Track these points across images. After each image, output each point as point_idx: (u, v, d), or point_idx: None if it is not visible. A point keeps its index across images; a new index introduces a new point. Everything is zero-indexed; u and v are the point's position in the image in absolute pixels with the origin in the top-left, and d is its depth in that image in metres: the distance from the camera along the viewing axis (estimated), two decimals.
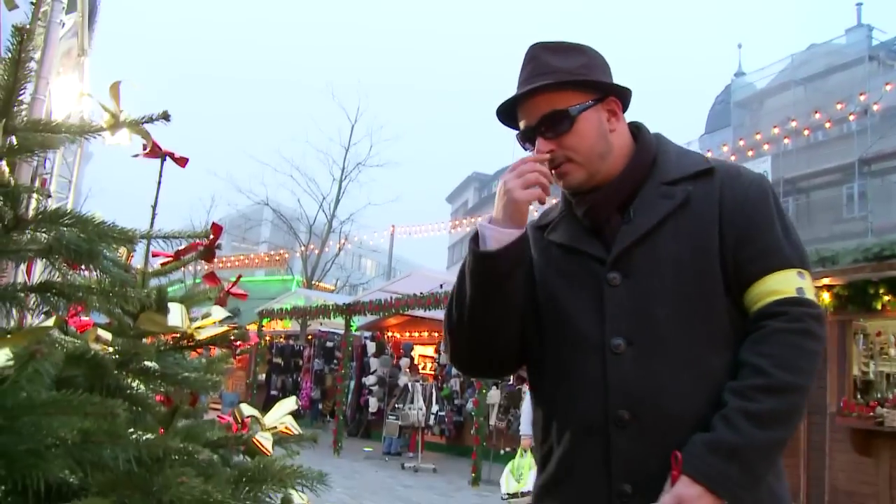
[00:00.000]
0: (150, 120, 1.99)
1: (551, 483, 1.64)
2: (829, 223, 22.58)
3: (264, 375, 17.93)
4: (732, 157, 21.20)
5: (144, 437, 1.17)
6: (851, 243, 9.39)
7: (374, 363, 16.51)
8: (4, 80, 1.46)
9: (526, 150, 1.71)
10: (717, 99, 32.45)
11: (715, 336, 1.54)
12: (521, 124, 1.70)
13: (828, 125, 20.36)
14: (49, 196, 1.65)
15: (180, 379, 1.43)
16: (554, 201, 1.84)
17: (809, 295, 1.53)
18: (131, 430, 1.20)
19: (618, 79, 1.74)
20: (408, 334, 17.96)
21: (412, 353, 16.68)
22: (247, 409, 1.74)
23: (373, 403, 16.10)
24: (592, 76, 1.66)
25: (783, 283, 1.53)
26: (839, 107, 19.28)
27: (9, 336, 1.04)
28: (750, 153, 20.55)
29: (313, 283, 25.77)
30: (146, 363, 1.40)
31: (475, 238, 1.61)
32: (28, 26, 1.46)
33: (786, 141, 21.36)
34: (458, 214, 51.87)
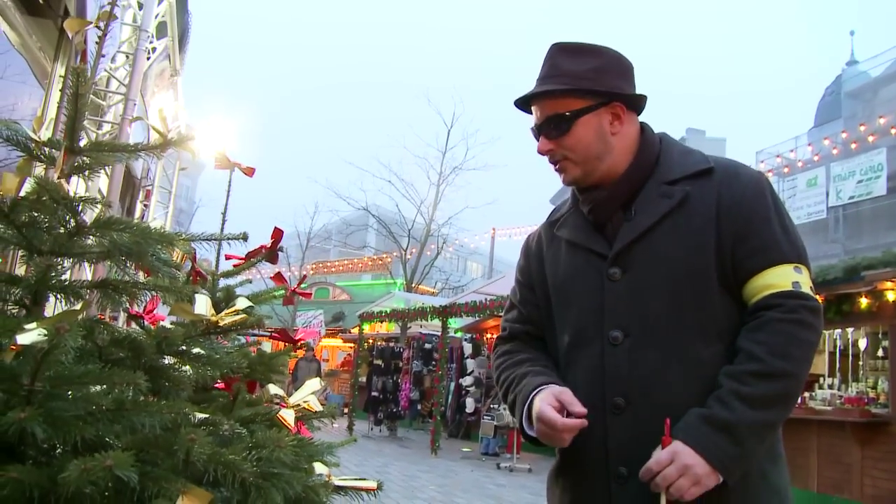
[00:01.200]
0: (186, 139, 2.25)
1: (560, 468, 1.81)
2: None
3: (366, 377, 18.42)
4: (834, 152, 20.32)
5: (168, 407, 1.41)
6: None
7: (470, 364, 16.73)
8: (69, 112, 1.74)
9: (538, 141, 1.84)
10: (826, 90, 31.12)
11: (706, 329, 1.64)
12: (534, 119, 1.83)
13: None
14: (109, 206, 1.92)
15: (212, 361, 1.66)
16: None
17: (805, 289, 1.63)
18: (159, 401, 1.44)
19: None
20: None
21: None
22: (273, 389, 1.96)
23: (470, 404, 16.32)
24: (599, 81, 1.75)
25: (780, 278, 1.62)
26: None
27: (45, 319, 1.29)
28: (853, 146, 19.69)
29: (414, 286, 26.21)
30: (180, 347, 1.64)
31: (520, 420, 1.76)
32: (89, 66, 1.73)
33: (893, 131, 20.31)
34: None
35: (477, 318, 17.14)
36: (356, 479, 1.87)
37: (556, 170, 1.82)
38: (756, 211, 1.67)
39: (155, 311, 2.61)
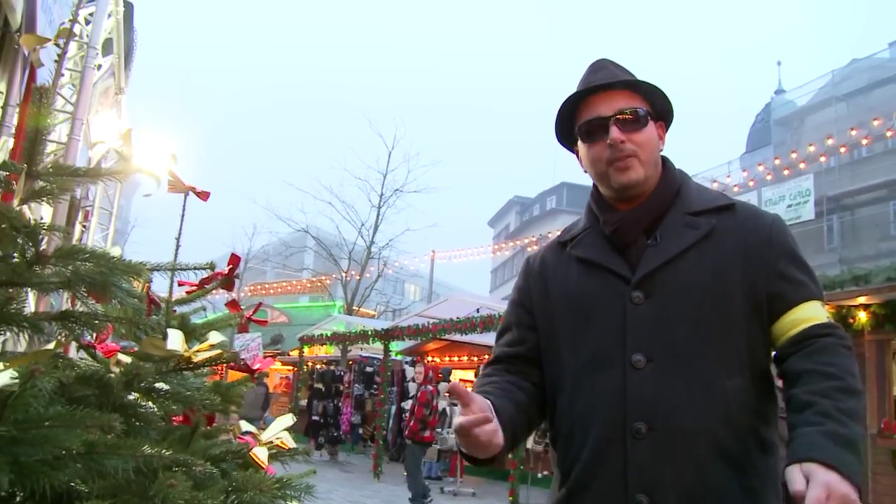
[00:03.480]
0: (172, 159, 2.17)
1: (568, 496, 1.70)
2: (876, 241, 22.16)
3: (306, 401, 18.12)
4: (768, 177, 20.97)
5: (143, 449, 1.32)
6: (886, 262, 9.27)
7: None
8: (28, 134, 1.64)
9: (586, 143, 1.79)
10: (757, 117, 32.17)
11: (729, 360, 1.63)
12: (585, 119, 1.79)
13: (864, 142, 20.11)
14: (69, 234, 1.82)
15: (183, 398, 1.58)
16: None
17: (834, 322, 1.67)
18: (132, 442, 1.35)
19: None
20: (447, 358, 18.04)
21: (451, 378, 16.75)
22: (245, 426, 1.88)
23: None
24: (659, 95, 1.82)
25: (817, 312, 1.65)
26: (876, 123, 19.02)
27: (14, 358, 1.20)
28: (786, 172, 20.36)
29: (354, 308, 26.00)
30: (151, 383, 1.55)
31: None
32: (48, 85, 1.64)
33: (822, 159, 21.10)
34: (500, 238, 51.95)
35: (418, 341, 17.07)
36: None
37: (620, 167, 1.75)
38: (784, 250, 1.71)
39: (106, 342, 2.50)
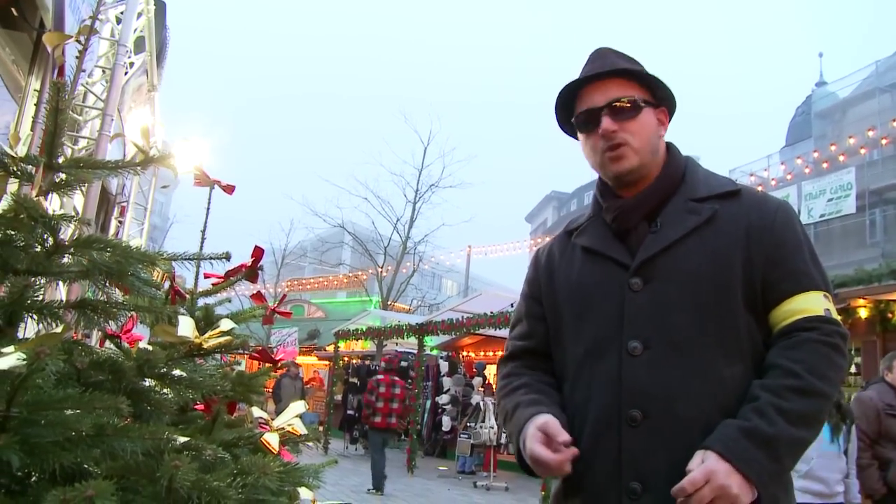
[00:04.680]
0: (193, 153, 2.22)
1: (567, 484, 1.73)
2: None
3: (341, 395, 18.27)
4: (805, 171, 20.61)
5: (151, 432, 1.36)
6: None
7: (447, 382, 16.67)
8: (47, 127, 1.69)
9: (582, 133, 1.81)
10: (797, 110, 31.63)
11: (728, 348, 1.62)
12: (580, 110, 1.80)
13: None
14: (89, 224, 1.87)
15: (195, 384, 1.62)
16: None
17: (835, 316, 1.65)
18: (141, 426, 1.39)
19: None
20: (482, 353, 18.06)
21: (485, 372, 16.78)
22: (257, 412, 1.92)
23: (446, 422, 16.24)
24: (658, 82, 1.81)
25: (813, 303, 1.63)
26: None
27: (23, 342, 1.24)
28: (825, 165, 20.01)
29: (389, 303, 26.13)
30: (162, 369, 1.59)
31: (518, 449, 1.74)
32: (69, 80, 1.69)
33: (863, 151, 20.69)
34: (538, 233, 51.79)
35: (453, 336, 17.11)
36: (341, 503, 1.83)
37: (612, 157, 1.76)
38: (787, 237, 1.69)
39: (132, 331, 2.56)
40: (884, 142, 20.12)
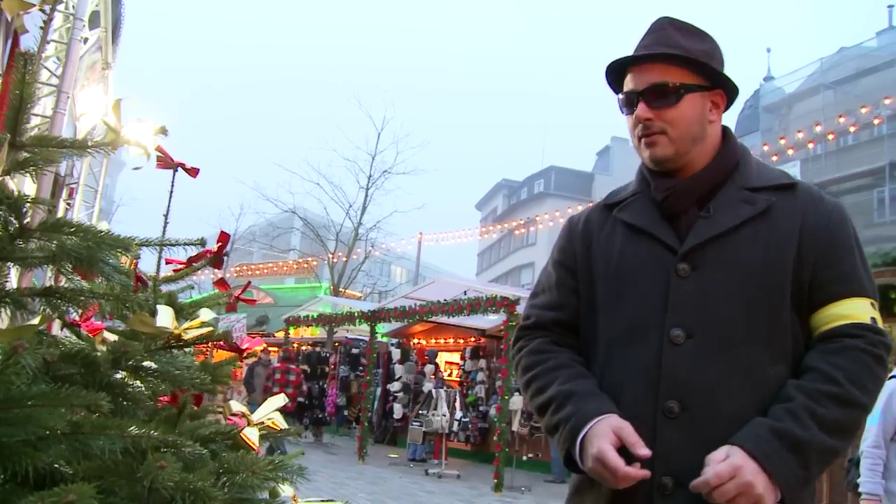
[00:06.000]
0: (159, 132, 2.12)
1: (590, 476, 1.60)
2: (861, 227, 21.86)
3: None
4: None
5: (131, 429, 1.27)
6: (871, 248, 9.32)
7: (398, 370, 16.62)
8: (11, 102, 1.58)
9: (623, 113, 1.75)
10: (745, 104, 32.19)
11: (773, 346, 1.56)
12: (627, 86, 1.72)
13: (852, 129, 20.22)
14: (54, 207, 1.76)
15: (171, 376, 1.53)
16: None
17: (881, 325, 1.58)
18: (120, 422, 1.30)
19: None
20: (433, 341, 18.04)
21: (437, 360, 16.78)
22: (236, 406, 1.84)
23: (398, 410, 16.20)
24: (711, 64, 1.70)
25: (860, 310, 1.56)
26: (864, 111, 19.11)
27: None
28: (774, 158, 20.42)
29: (340, 290, 25.94)
30: (139, 362, 1.50)
31: (567, 439, 1.59)
32: (34, 52, 1.58)
33: (810, 146, 21.21)
34: (488, 221, 51.92)
35: (405, 323, 17.05)
36: (323, 501, 1.76)
37: (646, 143, 1.68)
38: (840, 239, 1.62)
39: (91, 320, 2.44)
40: (830, 137, 20.62)
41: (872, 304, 1.59)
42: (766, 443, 1.43)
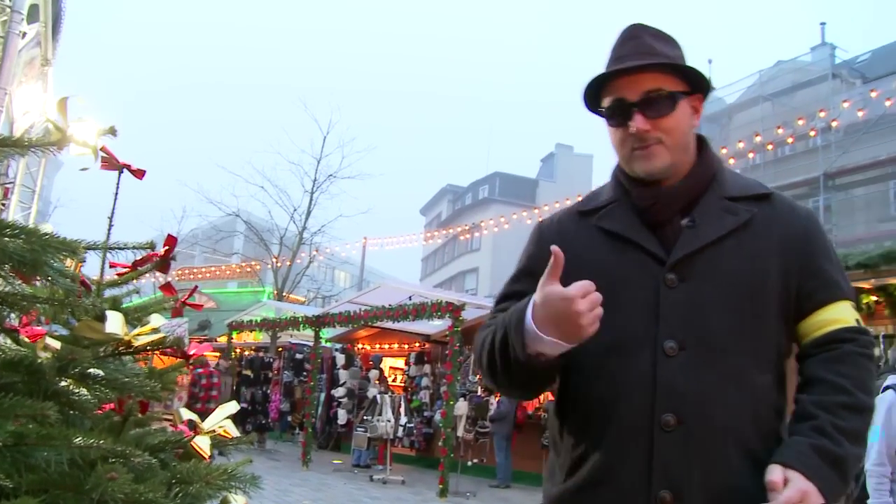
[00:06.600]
0: (101, 134, 2.05)
1: (585, 487, 1.58)
2: None
3: (234, 388, 17.79)
4: None
5: (78, 440, 1.22)
6: None
7: (343, 375, 16.48)
8: None
9: (610, 125, 1.67)
10: None
11: (761, 355, 1.57)
12: (609, 100, 1.66)
13: (790, 140, 20.84)
14: (3, 206, 1.69)
15: (120, 384, 1.48)
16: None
17: (863, 324, 1.63)
18: (66, 432, 1.25)
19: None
20: (378, 346, 17.96)
21: (381, 365, 16.70)
22: (186, 414, 1.79)
23: (342, 415, 16.06)
24: (689, 69, 1.66)
25: (846, 313, 1.60)
26: (800, 122, 19.71)
27: None
28: None
29: (284, 295, 25.65)
30: (86, 369, 1.44)
31: (519, 330, 1.50)
32: None
33: (750, 155, 21.76)
34: (432, 226, 51.97)
35: (349, 329, 16.93)
36: None
37: (643, 155, 1.62)
38: (819, 246, 1.65)
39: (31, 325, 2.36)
40: (770, 147, 21.17)
41: (853, 306, 1.63)
42: (815, 463, 1.43)
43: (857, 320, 1.61)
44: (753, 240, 1.61)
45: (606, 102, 1.67)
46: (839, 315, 1.60)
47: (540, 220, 1.92)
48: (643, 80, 1.62)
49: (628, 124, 1.62)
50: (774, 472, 1.42)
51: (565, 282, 1.54)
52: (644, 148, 1.62)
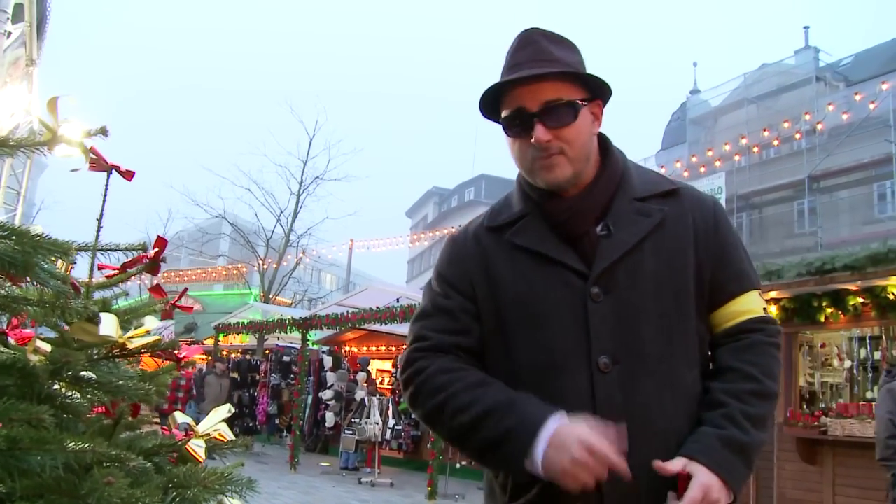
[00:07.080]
0: (89, 135, 2.03)
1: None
2: (782, 238, 23.05)
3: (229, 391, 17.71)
4: (685, 174, 21.66)
5: (72, 444, 1.20)
6: (796, 258, 9.66)
7: (330, 378, 16.42)
8: None
9: (510, 136, 1.63)
10: (672, 116, 32.98)
11: (688, 353, 1.60)
12: (508, 110, 1.61)
13: (776, 143, 21.01)
14: None
15: (114, 388, 1.46)
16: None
17: (770, 313, 1.70)
18: (61, 436, 1.23)
19: None
20: (365, 348, 17.92)
21: (369, 368, 16.66)
22: (181, 418, 1.77)
23: (329, 418, 16.00)
24: (593, 74, 1.62)
25: (754, 303, 1.66)
26: (786, 125, 19.86)
27: None
28: (702, 169, 21.02)
29: (270, 297, 25.56)
30: (79, 372, 1.42)
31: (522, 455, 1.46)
32: None
33: (736, 157, 21.90)
34: (418, 229, 51.93)
35: (337, 331, 16.88)
36: None
37: (545, 165, 1.58)
38: (728, 238, 1.70)
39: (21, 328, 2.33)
40: (755, 150, 21.30)
41: (760, 294, 1.69)
42: (720, 454, 1.48)
43: (765, 308, 1.68)
44: (668, 239, 1.62)
45: (505, 112, 1.63)
46: (748, 306, 1.65)
47: (450, 234, 1.86)
48: (543, 89, 1.57)
49: (530, 134, 1.57)
50: (675, 464, 1.46)
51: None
52: (546, 158, 1.58)
